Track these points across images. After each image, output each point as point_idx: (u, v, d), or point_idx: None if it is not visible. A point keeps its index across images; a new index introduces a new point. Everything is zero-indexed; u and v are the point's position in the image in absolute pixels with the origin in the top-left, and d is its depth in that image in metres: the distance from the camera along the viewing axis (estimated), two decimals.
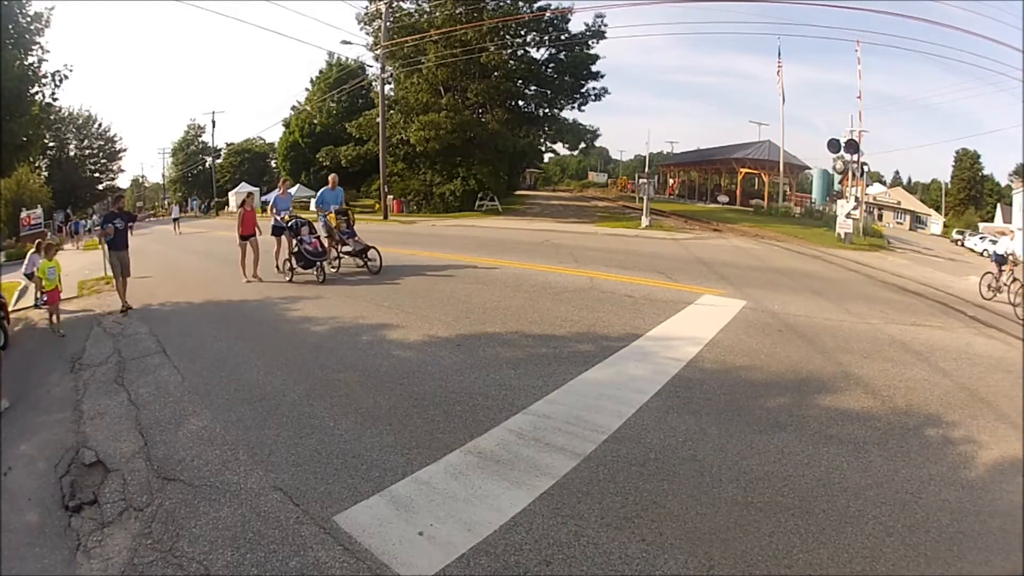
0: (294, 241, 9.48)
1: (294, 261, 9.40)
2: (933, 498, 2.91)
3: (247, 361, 5.42)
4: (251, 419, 4.09)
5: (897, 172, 53.29)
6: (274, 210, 10.04)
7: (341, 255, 10.03)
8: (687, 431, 3.63)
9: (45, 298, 7.85)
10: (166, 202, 61.39)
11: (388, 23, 25.53)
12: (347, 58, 36.58)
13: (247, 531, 2.80)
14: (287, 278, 9.40)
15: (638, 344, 5.36)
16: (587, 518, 2.78)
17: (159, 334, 6.65)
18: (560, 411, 3.94)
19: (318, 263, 9.13)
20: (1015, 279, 8.56)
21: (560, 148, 34.54)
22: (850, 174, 17.64)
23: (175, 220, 27.95)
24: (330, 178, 10.77)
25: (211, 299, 8.68)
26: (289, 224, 9.53)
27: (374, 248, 9.87)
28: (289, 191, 10.49)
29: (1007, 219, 30.21)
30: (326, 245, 9.65)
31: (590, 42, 27.31)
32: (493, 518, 2.79)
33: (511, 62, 26.60)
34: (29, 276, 10.61)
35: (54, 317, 7.78)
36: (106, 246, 8.75)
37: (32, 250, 11.52)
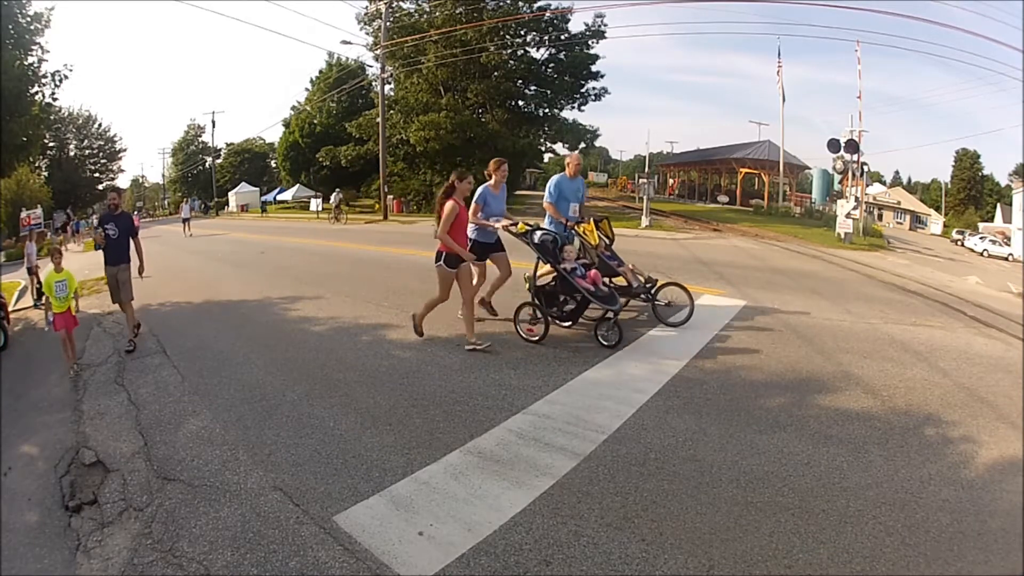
0: (544, 269, 5.65)
1: (543, 304, 5.43)
2: (933, 498, 2.91)
3: (247, 361, 5.42)
4: (251, 419, 4.10)
5: (897, 172, 53.26)
6: (480, 213, 5.77)
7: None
8: (687, 431, 3.63)
9: (51, 319, 5.72)
10: (165, 202, 61.48)
11: (388, 23, 25.54)
12: (347, 58, 36.65)
13: (247, 531, 2.80)
14: (534, 337, 5.35)
15: (638, 344, 5.35)
16: (587, 518, 2.78)
17: (159, 334, 6.65)
18: (560, 411, 3.94)
19: (611, 313, 5.13)
20: None
21: (560, 148, 34.46)
22: (850, 174, 17.63)
23: (185, 220, 24.91)
24: (570, 159, 6.57)
25: (211, 299, 8.68)
26: (535, 239, 5.45)
27: (676, 284, 5.97)
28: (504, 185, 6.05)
29: (1007, 219, 30.23)
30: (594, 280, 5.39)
31: (590, 42, 27.31)
32: (493, 518, 2.79)
33: (511, 62, 26.61)
34: (31, 271, 10.53)
35: (68, 350, 5.76)
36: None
37: (29, 240, 11.40)
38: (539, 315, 5.36)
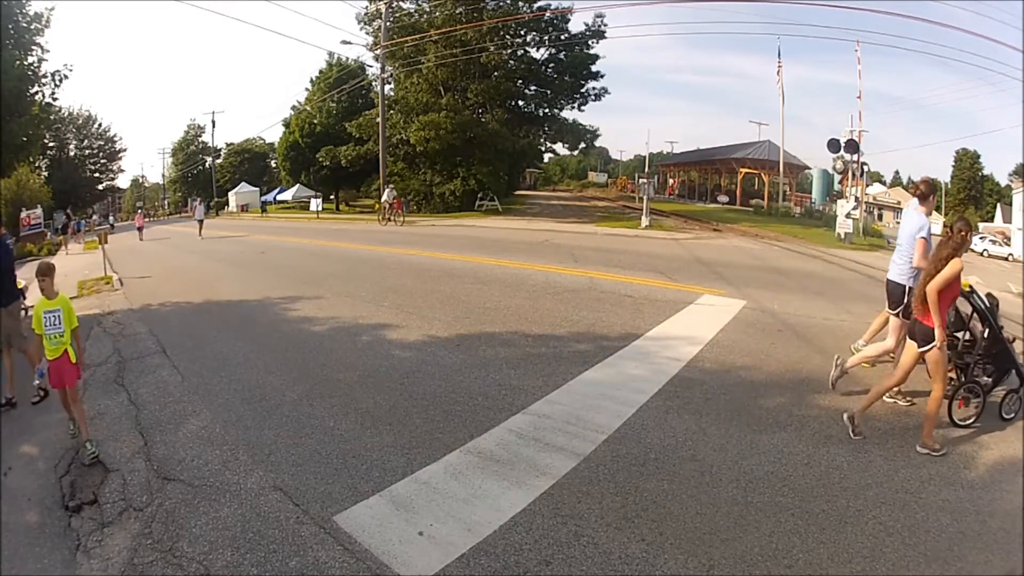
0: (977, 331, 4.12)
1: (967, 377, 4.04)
2: (933, 498, 2.91)
3: (247, 361, 5.42)
4: (251, 419, 4.10)
5: (897, 172, 53.39)
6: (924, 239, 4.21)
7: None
8: (687, 431, 3.63)
9: (45, 370, 4.06)
10: (165, 202, 61.49)
11: (388, 23, 25.54)
12: (347, 58, 36.59)
13: (247, 531, 2.80)
14: (967, 420, 3.87)
15: (638, 344, 5.35)
16: (587, 518, 2.78)
17: (159, 334, 6.65)
18: (560, 411, 3.94)
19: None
20: None
21: (560, 148, 34.63)
22: (850, 174, 17.62)
23: (200, 222, 22.68)
24: (924, 183, 4.76)
25: (211, 299, 8.68)
26: (984, 300, 4.10)
27: None
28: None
29: (1007, 219, 30.24)
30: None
31: (590, 42, 27.34)
32: (493, 518, 2.79)
33: (511, 62, 26.62)
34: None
35: (72, 413, 3.97)
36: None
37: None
38: (973, 392, 3.98)
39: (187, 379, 5.04)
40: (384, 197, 22.54)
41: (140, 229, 24.66)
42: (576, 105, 29.14)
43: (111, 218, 47.33)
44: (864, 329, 5.87)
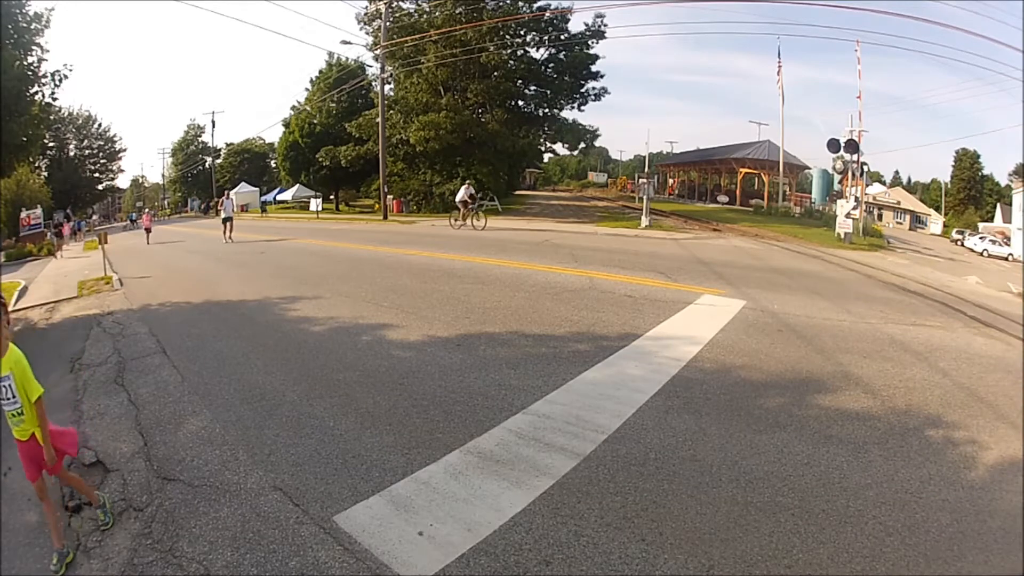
0: None
1: None
2: (933, 498, 2.91)
3: (247, 361, 5.42)
4: (251, 419, 4.09)
5: (897, 172, 53.46)
6: None
7: None
8: (687, 431, 3.63)
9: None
10: (165, 202, 61.54)
11: (388, 23, 25.55)
12: (347, 58, 36.67)
13: (247, 531, 2.80)
14: None
15: (638, 344, 5.35)
16: (587, 518, 2.78)
17: (159, 334, 6.65)
18: (560, 411, 3.94)
19: None
20: None
21: (560, 148, 34.59)
22: (850, 174, 17.62)
23: (226, 220, 18.75)
24: None
25: (211, 299, 8.67)
26: None
27: None
28: None
29: (1007, 219, 30.25)
30: None
31: (590, 42, 27.36)
32: (493, 518, 2.79)
33: (511, 62, 26.63)
34: None
35: (81, 487, 3.14)
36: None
37: None
38: None
39: (187, 379, 5.04)
40: (460, 195, 18.01)
41: (148, 231, 22.54)
42: (576, 105, 29.19)
43: (134, 215, 47.79)
44: (863, 329, 5.89)
